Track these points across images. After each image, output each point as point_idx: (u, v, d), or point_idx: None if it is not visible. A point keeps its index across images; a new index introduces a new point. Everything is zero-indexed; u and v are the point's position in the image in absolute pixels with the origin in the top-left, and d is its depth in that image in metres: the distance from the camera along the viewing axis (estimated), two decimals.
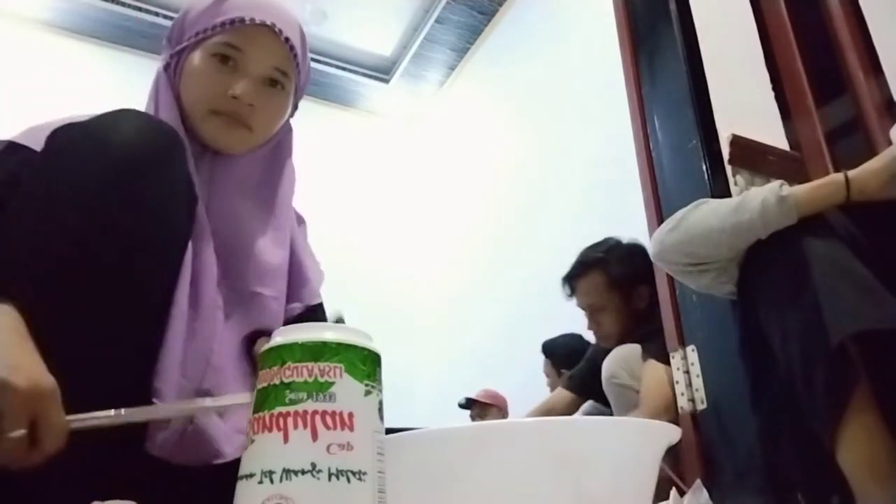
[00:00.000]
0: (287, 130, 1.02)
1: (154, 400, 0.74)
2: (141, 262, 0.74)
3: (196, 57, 0.92)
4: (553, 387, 2.51)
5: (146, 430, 0.75)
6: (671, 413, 1.62)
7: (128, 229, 0.72)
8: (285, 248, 0.96)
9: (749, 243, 1.13)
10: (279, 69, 0.94)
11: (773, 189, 1.12)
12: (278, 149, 1.01)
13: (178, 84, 0.93)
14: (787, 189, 1.11)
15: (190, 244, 0.82)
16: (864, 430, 0.95)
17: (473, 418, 3.04)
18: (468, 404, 3.09)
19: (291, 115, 1.02)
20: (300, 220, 1.07)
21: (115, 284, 0.71)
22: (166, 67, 0.95)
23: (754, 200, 1.11)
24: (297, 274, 0.98)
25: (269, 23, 0.91)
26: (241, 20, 0.90)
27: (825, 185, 1.11)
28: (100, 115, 0.78)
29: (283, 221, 0.98)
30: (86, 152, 0.73)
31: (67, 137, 0.76)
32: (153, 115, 0.91)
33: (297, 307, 0.96)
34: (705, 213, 1.18)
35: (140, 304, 0.74)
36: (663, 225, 1.25)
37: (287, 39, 0.93)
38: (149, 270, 0.75)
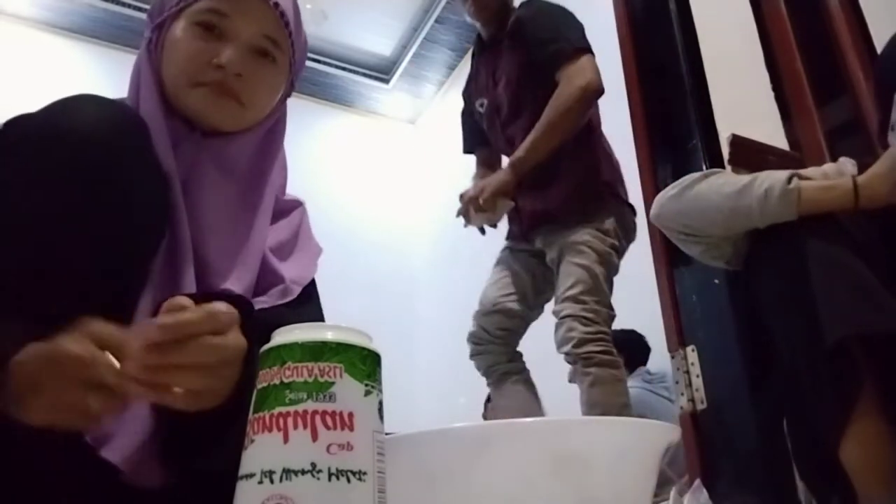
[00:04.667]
0: (281, 112, 0.95)
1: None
2: (109, 258, 0.69)
3: (177, 27, 0.85)
4: None
5: (106, 438, 0.68)
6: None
7: (91, 223, 0.68)
8: (262, 240, 0.89)
9: (745, 228, 1.12)
10: (269, 37, 0.86)
11: (781, 180, 1.09)
12: (273, 133, 0.93)
13: (160, 60, 0.86)
14: (797, 183, 1.08)
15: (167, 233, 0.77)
16: (869, 431, 0.95)
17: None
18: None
19: (288, 94, 0.95)
20: (296, 204, 1.00)
21: (77, 285, 0.67)
22: (148, 44, 0.88)
23: (759, 188, 1.09)
24: (269, 272, 0.90)
25: None
26: None
27: (834, 189, 1.08)
28: (52, 102, 0.72)
29: (267, 212, 0.91)
30: (40, 143, 0.69)
31: (19, 129, 0.71)
32: (135, 96, 0.86)
33: (263, 301, 0.87)
34: (710, 188, 1.16)
35: (106, 309, 0.69)
36: (667, 188, 1.23)
37: (276, 5, 0.86)
38: (118, 267, 0.71)
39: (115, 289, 0.71)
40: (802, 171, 1.14)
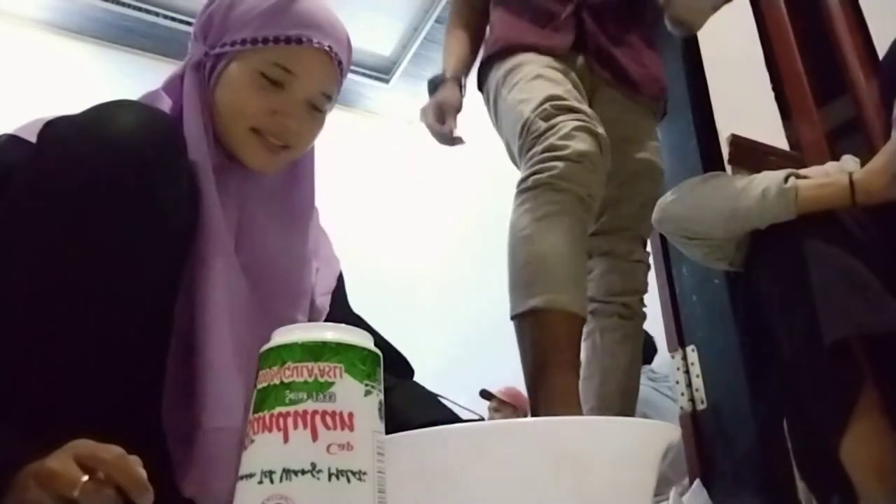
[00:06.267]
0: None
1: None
2: (137, 266, 0.70)
3: (240, 67, 0.85)
4: None
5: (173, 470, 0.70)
6: None
7: (120, 233, 0.68)
8: (311, 265, 0.92)
9: (745, 230, 1.12)
10: (326, 94, 0.89)
11: (777, 180, 1.09)
12: (302, 158, 0.95)
13: (213, 88, 0.86)
14: (794, 182, 1.08)
15: (199, 249, 0.77)
16: (870, 430, 0.95)
17: (491, 411, 3.14)
18: (488, 396, 3.19)
19: None
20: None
21: (104, 292, 0.67)
22: (197, 65, 0.87)
23: (757, 188, 1.10)
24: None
25: (326, 46, 0.85)
26: (299, 40, 0.84)
27: (830, 186, 1.08)
28: (95, 106, 0.73)
29: (308, 233, 0.93)
30: (78, 145, 0.69)
31: (60, 130, 0.71)
32: (176, 109, 0.86)
33: None
34: (710, 190, 1.17)
35: (131, 319, 0.70)
36: (670, 192, 1.23)
37: (340, 63, 0.89)
38: (146, 275, 0.71)
39: (147, 296, 0.72)
40: (802, 171, 1.15)
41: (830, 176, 1.12)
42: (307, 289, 0.90)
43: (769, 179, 1.10)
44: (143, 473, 0.55)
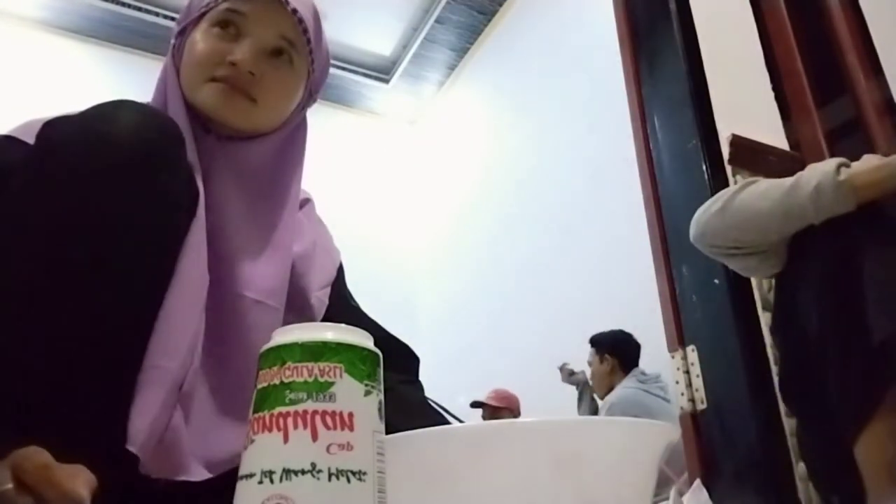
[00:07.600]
0: (301, 121, 0.95)
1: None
2: (131, 266, 0.70)
3: (198, 31, 0.87)
4: (595, 374, 2.87)
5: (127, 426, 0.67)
6: None
7: (122, 232, 0.68)
8: (288, 253, 0.89)
9: (799, 228, 1.07)
10: (286, 38, 0.87)
11: (829, 173, 1.05)
12: (292, 141, 0.93)
13: (181, 64, 0.87)
14: (846, 172, 1.04)
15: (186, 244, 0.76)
16: (889, 430, 0.94)
17: (485, 419, 3.12)
18: (480, 406, 3.17)
19: (307, 104, 0.95)
20: (305, 201, 1.00)
21: (96, 295, 0.67)
22: (172, 49, 0.89)
23: (808, 185, 1.05)
24: (298, 291, 0.90)
25: None
26: None
27: (885, 168, 1.04)
28: (95, 105, 0.72)
29: (289, 220, 0.91)
30: (78, 146, 0.69)
31: (59, 130, 0.71)
32: (162, 99, 0.87)
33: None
34: (754, 196, 1.12)
35: (123, 320, 0.69)
36: (706, 206, 1.18)
37: (295, 11, 0.86)
38: (141, 274, 0.71)
39: (152, 294, 0.71)
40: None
41: (882, 159, 1.08)
42: (274, 274, 0.86)
43: (819, 173, 1.06)
44: (71, 484, 0.52)
